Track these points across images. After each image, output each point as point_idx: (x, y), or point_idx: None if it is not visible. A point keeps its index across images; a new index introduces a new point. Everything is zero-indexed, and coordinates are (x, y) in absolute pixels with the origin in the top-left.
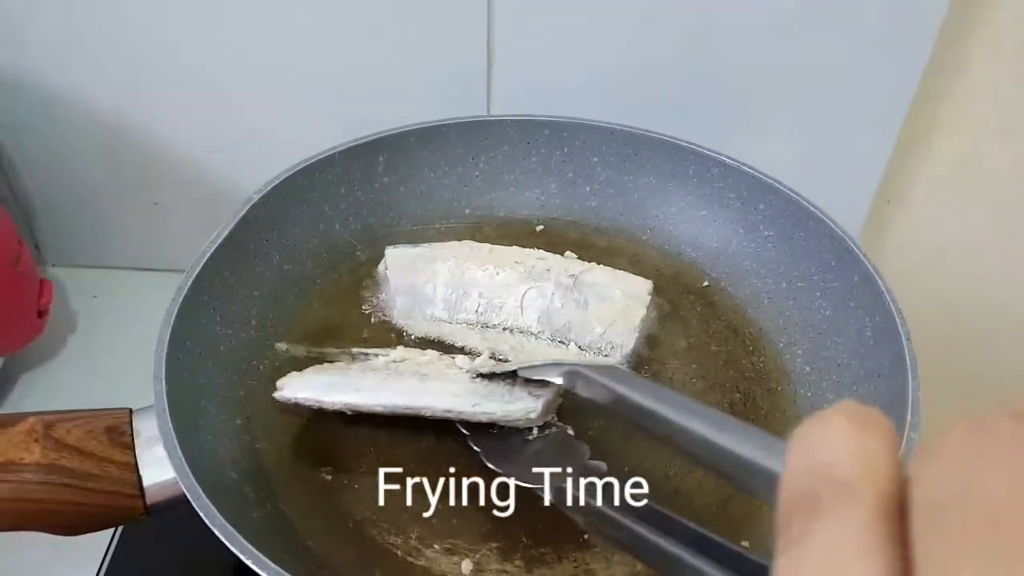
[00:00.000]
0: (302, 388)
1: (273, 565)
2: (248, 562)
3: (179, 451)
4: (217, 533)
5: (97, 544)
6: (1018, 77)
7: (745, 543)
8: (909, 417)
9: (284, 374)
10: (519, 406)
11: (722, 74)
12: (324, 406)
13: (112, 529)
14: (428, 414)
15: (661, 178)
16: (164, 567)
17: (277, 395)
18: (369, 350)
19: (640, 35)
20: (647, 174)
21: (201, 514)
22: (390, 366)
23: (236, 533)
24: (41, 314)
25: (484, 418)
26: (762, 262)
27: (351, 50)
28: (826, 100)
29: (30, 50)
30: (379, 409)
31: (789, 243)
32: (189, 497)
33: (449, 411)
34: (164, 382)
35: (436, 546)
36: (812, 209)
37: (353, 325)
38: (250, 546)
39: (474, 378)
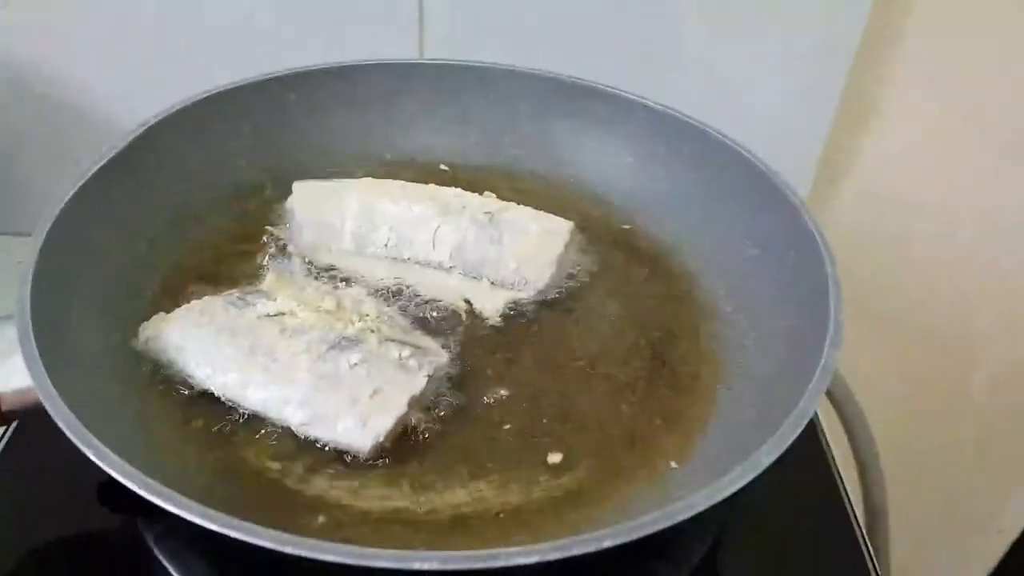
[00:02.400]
0: (155, 340)
1: (131, 468)
2: (105, 466)
3: (35, 353)
4: (72, 437)
5: None
6: (947, 55)
7: (673, 463)
8: (831, 332)
9: (170, 301)
10: (346, 439)
11: (659, 27)
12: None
13: None
14: (260, 414)
15: (586, 125)
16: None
17: (133, 343)
18: (250, 295)
19: None
20: (571, 121)
21: (54, 415)
22: (259, 321)
23: (95, 439)
24: None
25: (311, 437)
26: (688, 206)
27: None
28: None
29: None
30: (215, 391)
31: (715, 185)
32: (43, 399)
33: (279, 419)
34: (30, 281)
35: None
36: (738, 149)
37: (251, 259)
38: (107, 451)
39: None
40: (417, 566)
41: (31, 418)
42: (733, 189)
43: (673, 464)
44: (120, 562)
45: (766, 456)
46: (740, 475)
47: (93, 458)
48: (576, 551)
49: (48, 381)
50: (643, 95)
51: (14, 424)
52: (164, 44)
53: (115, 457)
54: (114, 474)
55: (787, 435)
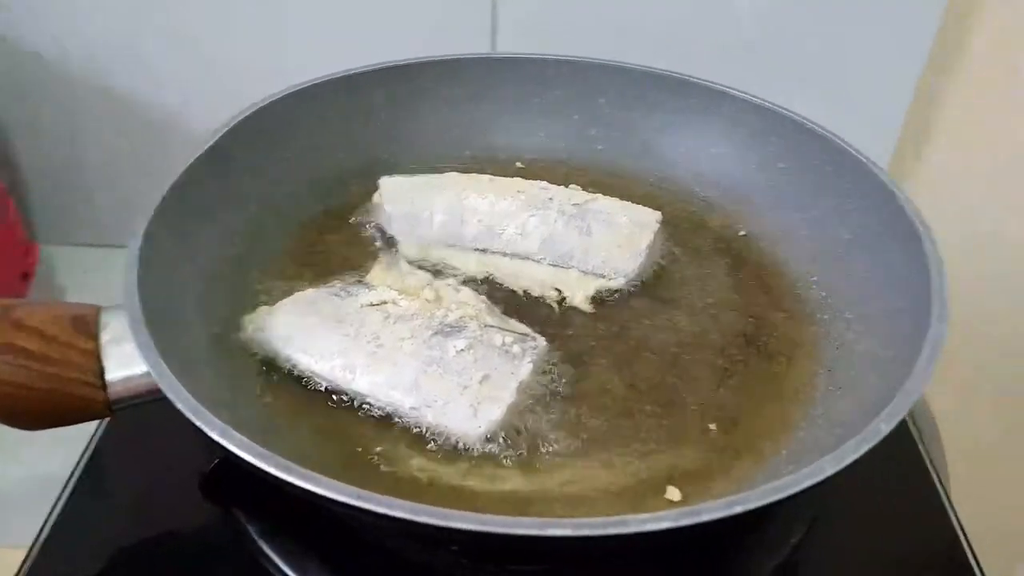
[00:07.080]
0: (260, 332)
1: (259, 448)
2: (225, 443)
3: (147, 334)
4: (190, 416)
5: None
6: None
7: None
8: (935, 310)
9: (268, 296)
10: (458, 428)
11: (738, 16)
12: (277, 355)
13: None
14: (369, 399)
15: (671, 118)
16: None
17: (239, 335)
18: (351, 286)
19: None
20: (656, 114)
21: (171, 397)
22: (362, 310)
23: (212, 417)
24: (26, 276)
25: (420, 422)
26: (776, 196)
27: None
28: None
29: (21, 12)
30: (322, 378)
31: (804, 174)
32: (157, 379)
33: (386, 405)
34: (137, 268)
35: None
36: (828, 136)
37: (343, 251)
38: (235, 432)
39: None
40: (552, 532)
41: (132, 408)
42: (822, 176)
43: (775, 446)
44: (218, 558)
45: (884, 424)
46: (858, 444)
47: (218, 438)
48: (705, 517)
49: (163, 364)
50: (729, 84)
51: (105, 422)
52: (249, 55)
53: (241, 437)
54: (245, 455)
55: (900, 408)
